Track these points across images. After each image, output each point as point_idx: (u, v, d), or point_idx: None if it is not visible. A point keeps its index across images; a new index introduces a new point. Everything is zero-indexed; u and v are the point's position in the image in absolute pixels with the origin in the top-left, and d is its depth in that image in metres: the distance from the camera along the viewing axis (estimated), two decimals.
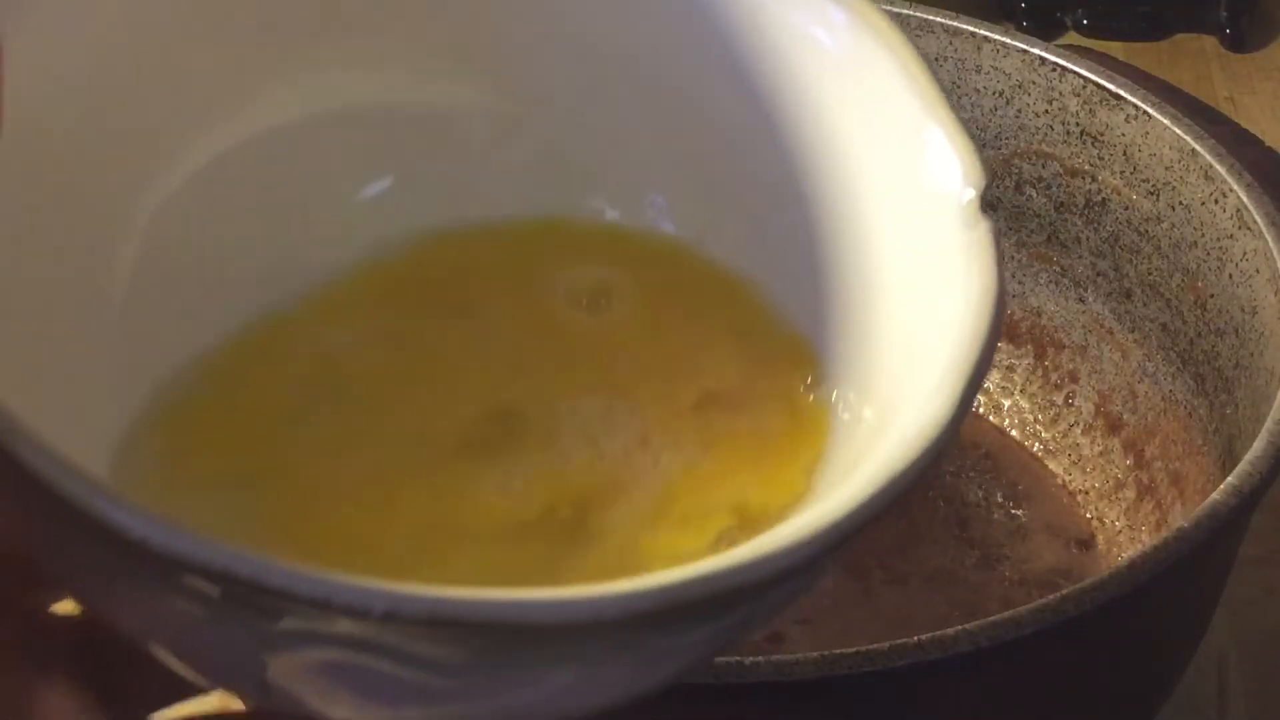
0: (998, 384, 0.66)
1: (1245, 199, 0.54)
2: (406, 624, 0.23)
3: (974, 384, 0.27)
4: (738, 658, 0.39)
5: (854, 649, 0.39)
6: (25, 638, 0.28)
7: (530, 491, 0.30)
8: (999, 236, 0.28)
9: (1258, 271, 0.53)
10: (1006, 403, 0.65)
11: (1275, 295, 0.51)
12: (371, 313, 0.33)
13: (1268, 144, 0.64)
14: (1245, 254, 0.54)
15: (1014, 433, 0.65)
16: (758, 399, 0.31)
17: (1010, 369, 0.66)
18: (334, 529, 0.23)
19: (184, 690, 0.31)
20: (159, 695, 0.31)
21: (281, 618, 0.23)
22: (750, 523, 0.24)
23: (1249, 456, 0.45)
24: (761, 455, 0.30)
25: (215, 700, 0.32)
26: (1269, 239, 0.52)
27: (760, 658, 0.39)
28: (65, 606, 0.30)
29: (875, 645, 0.39)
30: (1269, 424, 0.46)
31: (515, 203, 0.35)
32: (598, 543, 0.29)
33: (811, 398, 0.31)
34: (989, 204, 0.29)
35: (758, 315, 0.33)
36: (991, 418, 0.65)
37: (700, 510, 0.30)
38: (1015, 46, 0.62)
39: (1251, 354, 0.53)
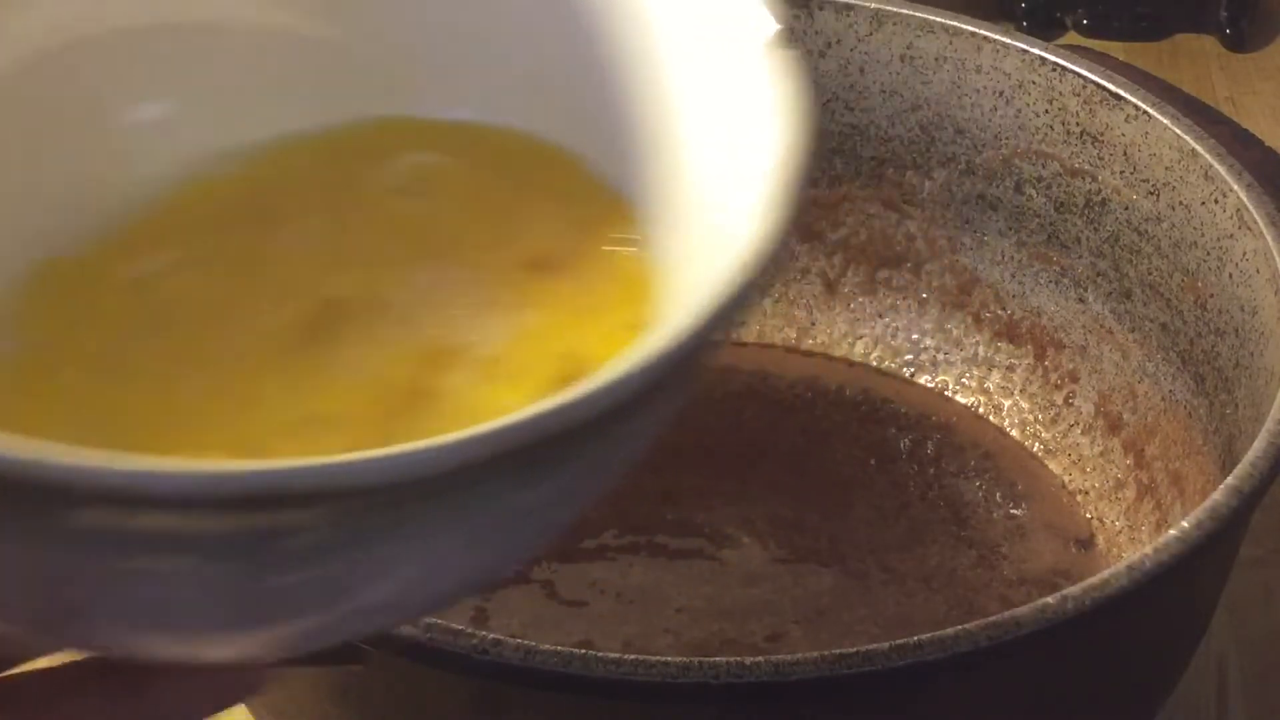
0: (998, 384, 0.66)
1: (1245, 199, 0.54)
2: (211, 507, 0.21)
3: (792, 191, 0.28)
4: (737, 658, 0.39)
5: (854, 649, 0.39)
6: None
7: (379, 370, 0.30)
8: (802, 63, 0.30)
9: (1258, 271, 0.53)
10: (1006, 403, 0.65)
11: (1275, 295, 0.51)
12: (176, 236, 0.32)
13: (1268, 144, 0.64)
14: (1245, 254, 0.54)
15: (1014, 433, 0.65)
16: (584, 259, 0.32)
17: (1010, 369, 0.66)
18: (198, 444, 0.22)
19: None
20: None
21: (79, 517, 0.21)
22: (576, 378, 0.25)
23: (1249, 456, 0.45)
24: (588, 312, 0.31)
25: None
26: (1269, 239, 0.52)
27: (760, 658, 0.39)
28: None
29: (875, 645, 0.39)
30: (1269, 424, 0.46)
31: (320, 114, 0.34)
32: (435, 406, 0.29)
33: (636, 256, 0.32)
34: (791, 43, 0.31)
35: (581, 183, 0.34)
36: (991, 418, 0.65)
37: (526, 367, 0.30)
38: (1015, 46, 0.62)
39: (1251, 354, 0.53)
